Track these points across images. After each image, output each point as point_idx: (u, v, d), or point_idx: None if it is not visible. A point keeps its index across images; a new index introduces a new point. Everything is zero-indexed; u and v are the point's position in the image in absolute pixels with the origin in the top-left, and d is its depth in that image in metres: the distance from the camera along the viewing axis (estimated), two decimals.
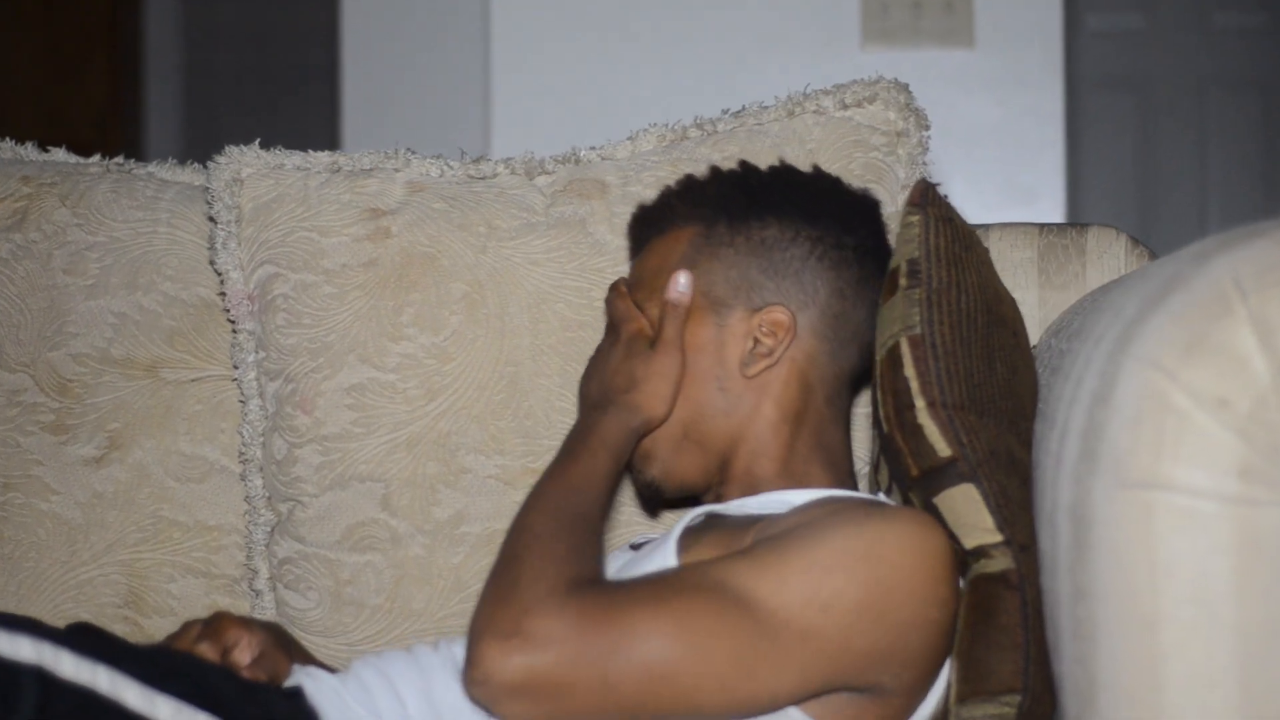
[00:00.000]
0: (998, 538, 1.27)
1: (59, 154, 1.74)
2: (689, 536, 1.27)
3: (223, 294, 1.61)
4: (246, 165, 1.60)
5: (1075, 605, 1.10)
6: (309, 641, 1.56)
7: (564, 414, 1.54)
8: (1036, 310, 1.59)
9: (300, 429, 1.55)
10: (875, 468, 1.43)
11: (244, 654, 1.34)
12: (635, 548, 1.41)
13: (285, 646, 1.41)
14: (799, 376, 1.37)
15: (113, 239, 1.66)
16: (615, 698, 1.13)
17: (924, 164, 1.57)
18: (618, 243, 1.56)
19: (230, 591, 1.63)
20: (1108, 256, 1.60)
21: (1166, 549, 1.02)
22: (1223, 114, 3.99)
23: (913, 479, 1.31)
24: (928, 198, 1.42)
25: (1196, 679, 1.01)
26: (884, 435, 1.35)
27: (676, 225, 1.41)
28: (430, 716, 1.27)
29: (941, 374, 1.31)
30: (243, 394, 1.60)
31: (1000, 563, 1.27)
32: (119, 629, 1.62)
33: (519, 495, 1.45)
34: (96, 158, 1.73)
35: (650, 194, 1.51)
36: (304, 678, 1.30)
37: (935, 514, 1.30)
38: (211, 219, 1.60)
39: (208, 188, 1.60)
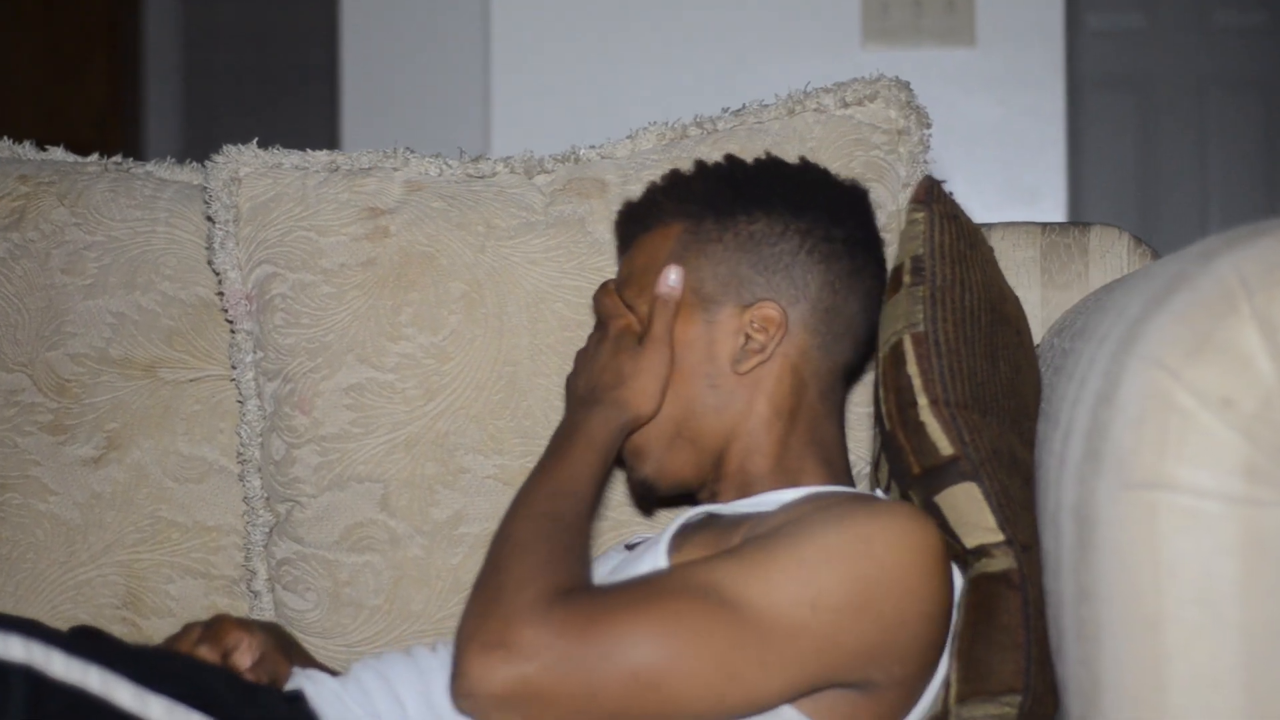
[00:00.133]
0: (999, 537, 1.27)
1: (57, 153, 1.74)
2: (681, 536, 1.27)
3: (220, 294, 1.60)
4: (244, 164, 1.59)
5: (1079, 606, 1.10)
6: (308, 643, 1.56)
7: (562, 413, 1.54)
8: (1039, 310, 1.58)
9: (298, 429, 1.55)
10: (876, 465, 1.43)
11: (244, 656, 1.34)
12: (630, 548, 1.40)
13: (286, 648, 1.41)
14: (791, 372, 1.37)
15: (111, 238, 1.65)
16: (602, 705, 1.13)
17: (925, 162, 1.57)
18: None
19: (229, 592, 1.62)
20: (1110, 256, 1.60)
21: (1171, 549, 1.01)
22: (1223, 113, 3.99)
23: (914, 477, 1.31)
24: (933, 195, 1.42)
25: (1201, 680, 1.01)
26: (886, 433, 1.34)
27: (664, 222, 1.40)
28: (429, 718, 1.27)
29: (944, 372, 1.31)
30: (241, 394, 1.60)
31: (1002, 562, 1.26)
32: (117, 630, 1.61)
33: None
34: (94, 157, 1.73)
35: None
36: (305, 681, 1.29)
37: (936, 512, 1.29)
38: (209, 218, 1.60)
39: (205, 187, 1.60)
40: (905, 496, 1.33)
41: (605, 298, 1.40)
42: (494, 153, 2.57)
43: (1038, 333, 1.55)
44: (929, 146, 1.57)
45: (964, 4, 2.61)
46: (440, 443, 1.54)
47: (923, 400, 1.30)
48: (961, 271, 1.37)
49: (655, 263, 1.38)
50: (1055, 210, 2.64)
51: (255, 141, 1.61)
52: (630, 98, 2.61)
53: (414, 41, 2.76)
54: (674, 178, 1.43)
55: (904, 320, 1.34)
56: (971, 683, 1.25)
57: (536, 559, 1.17)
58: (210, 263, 1.61)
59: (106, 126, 4.33)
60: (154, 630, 1.62)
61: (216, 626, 1.35)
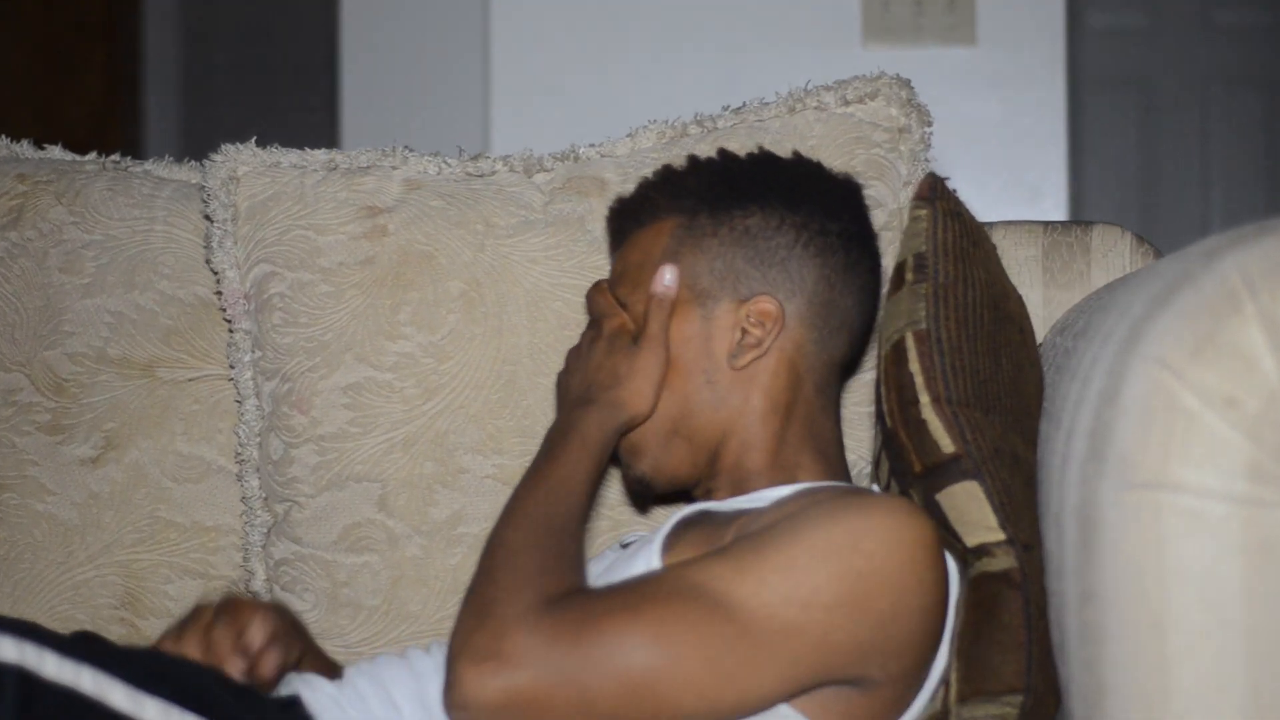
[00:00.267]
0: (1000, 536, 1.26)
1: (55, 151, 1.73)
2: (674, 535, 1.26)
3: (219, 293, 1.60)
4: (243, 163, 1.59)
5: (1082, 608, 1.09)
6: None
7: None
8: (1041, 309, 1.58)
9: (297, 429, 1.55)
10: (877, 464, 1.42)
11: (257, 634, 1.32)
12: (625, 546, 1.40)
13: (296, 628, 1.40)
14: (788, 366, 1.36)
15: (109, 237, 1.65)
16: (597, 712, 1.12)
17: (926, 160, 1.56)
18: None
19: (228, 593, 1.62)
20: (1113, 255, 1.59)
21: (1175, 551, 1.01)
22: (1225, 112, 3.99)
23: (915, 475, 1.30)
24: (936, 191, 1.41)
25: (1206, 683, 1.00)
26: (887, 430, 1.34)
27: (657, 217, 1.39)
28: None
29: (947, 369, 1.31)
30: (239, 394, 1.59)
31: (1003, 561, 1.26)
32: (115, 630, 1.61)
33: None
34: (92, 155, 1.72)
35: None
36: (301, 686, 1.29)
37: (937, 510, 1.29)
38: (207, 217, 1.59)
39: (204, 186, 1.59)
40: (906, 494, 1.32)
41: (598, 296, 1.39)
42: (494, 151, 2.56)
43: (1039, 332, 1.55)
44: (930, 144, 1.57)
45: (965, 2, 2.61)
46: (439, 442, 1.54)
47: (925, 398, 1.30)
48: (964, 269, 1.37)
49: (649, 259, 1.37)
50: (1056, 209, 2.63)
51: (254, 140, 1.60)
52: (630, 96, 2.60)
53: (413, 39, 2.76)
54: (667, 173, 1.42)
55: (906, 318, 1.34)
56: (972, 682, 1.24)
57: (528, 566, 1.17)
58: (208, 262, 1.61)
59: (105, 125, 4.33)
60: (152, 631, 1.61)
61: (230, 605, 1.34)
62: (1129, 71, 3.98)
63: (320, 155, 1.60)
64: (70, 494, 1.63)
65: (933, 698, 1.25)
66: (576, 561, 1.20)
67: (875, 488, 1.34)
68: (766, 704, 1.18)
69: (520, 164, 1.61)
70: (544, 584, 1.15)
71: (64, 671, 1.09)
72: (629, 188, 1.55)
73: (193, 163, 1.71)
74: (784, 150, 1.48)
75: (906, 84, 1.57)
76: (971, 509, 1.27)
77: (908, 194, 1.54)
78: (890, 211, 1.53)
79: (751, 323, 1.34)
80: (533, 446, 1.52)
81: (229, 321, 1.60)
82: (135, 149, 4.40)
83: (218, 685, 1.20)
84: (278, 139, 1.66)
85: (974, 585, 1.27)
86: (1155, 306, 1.05)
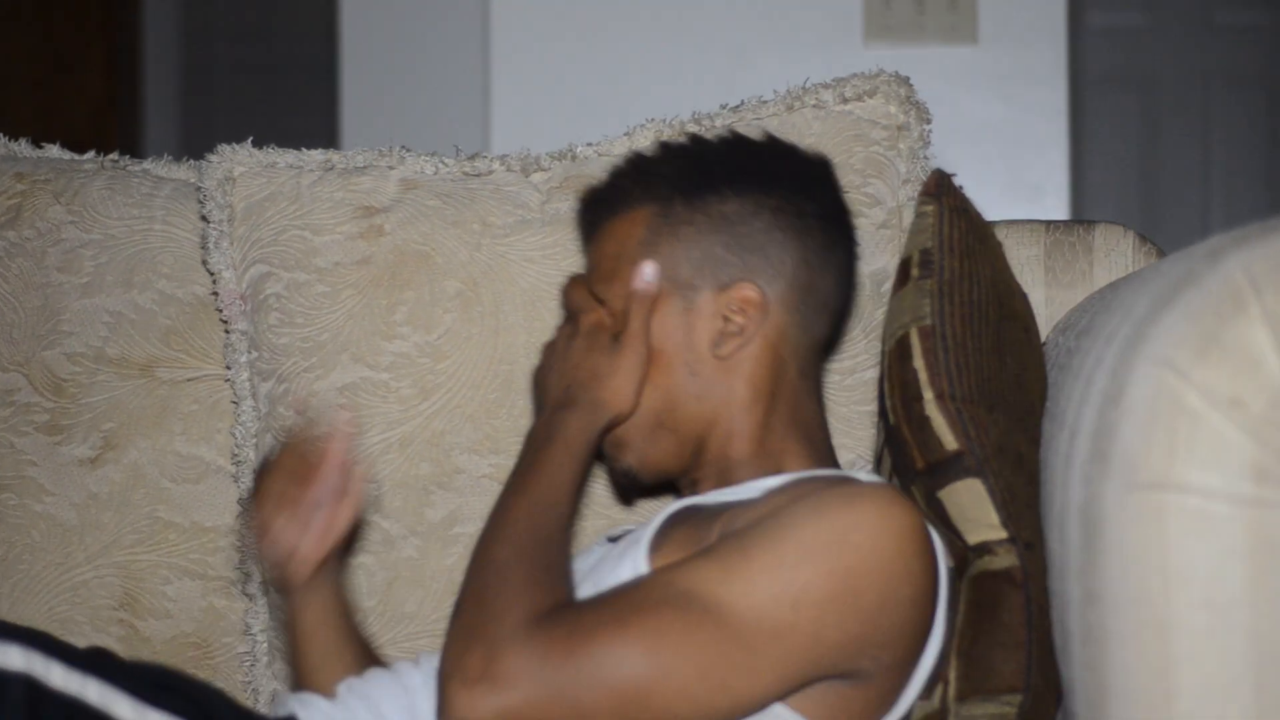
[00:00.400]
0: (1002, 534, 1.26)
1: (53, 150, 1.73)
2: (661, 535, 1.25)
3: (215, 294, 1.59)
4: (239, 164, 1.59)
5: (1085, 609, 1.09)
6: None
7: None
8: (1043, 308, 1.57)
9: (292, 429, 1.54)
10: (878, 460, 1.41)
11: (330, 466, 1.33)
12: (613, 539, 1.39)
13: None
14: (771, 352, 1.34)
15: (108, 236, 1.64)
16: None
17: (925, 158, 1.56)
18: None
19: (227, 594, 1.62)
20: (1115, 254, 1.59)
21: (1179, 552, 1.00)
22: (1226, 111, 3.99)
23: (917, 472, 1.30)
24: (943, 187, 1.41)
25: (1210, 686, 1.00)
26: (890, 427, 1.33)
27: (630, 207, 1.37)
28: None
29: (951, 366, 1.30)
30: (235, 395, 1.59)
31: (1004, 560, 1.26)
32: (114, 631, 1.60)
33: None
34: (91, 154, 1.72)
35: None
36: (296, 705, 1.30)
37: (939, 508, 1.28)
38: (204, 218, 1.59)
39: (200, 187, 1.59)
40: (908, 492, 1.32)
41: (575, 290, 1.37)
42: (494, 150, 2.56)
43: (1041, 331, 1.54)
44: (929, 142, 1.56)
45: (966, 2, 2.61)
46: (435, 442, 1.53)
47: (928, 394, 1.30)
48: (970, 266, 1.36)
49: (625, 250, 1.35)
50: (1058, 208, 2.63)
51: (250, 141, 1.60)
52: (631, 96, 2.60)
53: (413, 38, 2.75)
54: (638, 160, 1.40)
55: (911, 314, 1.33)
56: (972, 681, 1.24)
57: (516, 582, 1.16)
58: (205, 263, 1.60)
59: (105, 124, 4.33)
60: (151, 632, 1.61)
61: (294, 444, 1.35)
62: (1130, 70, 3.98)
63: (317, 155, 1.60)
64: (69, 494, 1.62)
65: (927, 686, 1.25)
66: (563, 572, 1.19)
67: (861, 474, 1.32)
68: (761, 705, 1.17)
69: (517, 163, 1.60)
70: (532, 600, 1.15)
71: (70, 682, 1.10)
72: None
73: (191, 162, 1.71)
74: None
75: (905, 81, 1.57)
76: (973, 507, 1.27)
77: (907, 192, 1.53)
78: (889, 209, 1.53)
79: (734, 310, 1.33)
80: None
81: (225, 323, 1.60)
82: (135, 148, 4.40)
83: (222, 701, 1.21)
84: (278, 138, 1.66)
85: (975, 583, 1.27)
86: (1159, 306, 1.04)
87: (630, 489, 1.47)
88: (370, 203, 1.57)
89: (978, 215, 1.43)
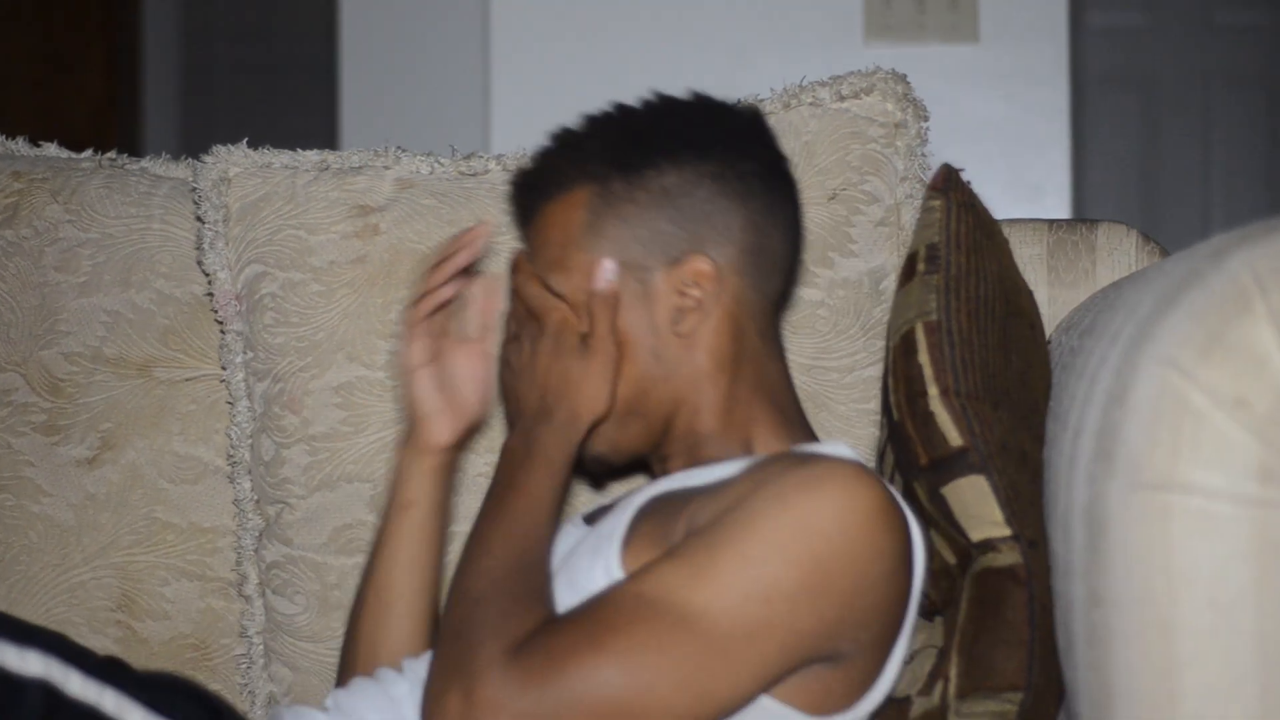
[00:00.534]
0: (1006, 531, 1.26)
1: (50, 149, 1.72)
2: (632, 530, 1.24)
3: (210, 294, 1.59)
4: (234, 164, 1.58)
5: (1089, 610, 1.08)
6: (297, 647, 1.54)
7: None
8: (1046, 308, 1.57)
9: (288, 429, 1.54)
10: (881, 457, 1.41)
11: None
12: (588, 519, 1.38)
13: None
14: (729, 321, 1.32)
15: (105, 235, 1.64)
16: None
17: (923, 155, 1.55)
18: None
19: (225, 595, 1.61)
20: (1118, 253, 1.58)
21: (1184, 553, 1.00)
22: (1227, 110, 3.99)
23: (921, 468, 1.29)
24: (950, 182, 1.40)
25: (1215, 688, 0.99)
26: (893, 423, 1.33)
27: (566, 188, 1.34)
28: None
29: (956, 362, 1.30)
30: (231, 395, 1.58)
31: (1008, 557, 1.25)
32: (111, 632, 1.60)
33: None
34: (89, 153, 1.71)
35: None
36: (290, 718, 1.30)
37: (942, 504, 1.28)
38: (199, 219, 1.58)
39: (195, 187, 1.58)
40: (910, 488, 1.31)
41: (530, 285, 1.34)
42: (494, 149, 2.55)
43: (1044, 330, 1.54)
44: (926, 139, 1.55)
45: (967, 1, 2.60)
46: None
47: (933, 390, 1.29)
48: (977, 261, 1.36)
49: (570, 235, 1.33)
50: (1059, 207, 2.63)
51: (245, 141, 1.59)
52: (630, 95, 2.59)
53: (413, 38, 2.75)
54: (567, 137, 1.38)
55: (916, 309, 1.33)
56: (973, 678, 1.24)
57: (493, 614, 1.15)
58: (200, 263, 1.60)
59: (104, 123, 4.32)
60: (149, 633, 1.60)
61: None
62: (1131, 70, 3.98)
63: (312, 156, 1.59)
64: (66, 495, 1.62)
65: (927, 683, 1.24)
66: (542, 593, 1.18)
67: (827, 448, 1.29)
68: (746, 701, 1.17)
69: (513, 162, 1.59)
70: (508, 631, 1.14)
71: (88, 691, 1.12)
72: None
73: (189, 160, 1.70)
74: (786, 150, 1.46)
75: (902, 79, 1.56)
76: (977, 503, 1.26)
77: (904, 189, 1.53)
78: (887, 207, 1.52)
79: (688, 285, 1.31)
80: None
81: (220, 323, 1.59)
82: (135, 148, 4.39)
83: (233, 716, 1.22)
84: (277, 139, 1.65)
85: (978, 580, 1.26)
86: (1163, 305, 1.04)
87: (600, 474, 1.46)
88: (366, 202, 1.57)
89: (985, 211, 1.42)
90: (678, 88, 1.40)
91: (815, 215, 1.52)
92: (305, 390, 1.54)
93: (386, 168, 1.59)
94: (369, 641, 1.40)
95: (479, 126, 2.65)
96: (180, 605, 1.61)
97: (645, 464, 1.39)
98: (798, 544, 1.15)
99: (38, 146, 1.73)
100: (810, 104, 1.56)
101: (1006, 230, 1.61)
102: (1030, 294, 1.45)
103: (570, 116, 1.42)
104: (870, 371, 1.52)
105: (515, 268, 1.37)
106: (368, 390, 1.53)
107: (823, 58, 2.53)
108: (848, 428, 1.51)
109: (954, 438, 1.27)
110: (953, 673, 1.24)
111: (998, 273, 1.37)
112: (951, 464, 1.27)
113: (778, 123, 1.55)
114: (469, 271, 1.43)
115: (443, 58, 2.74)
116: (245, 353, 1.57)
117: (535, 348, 1.32)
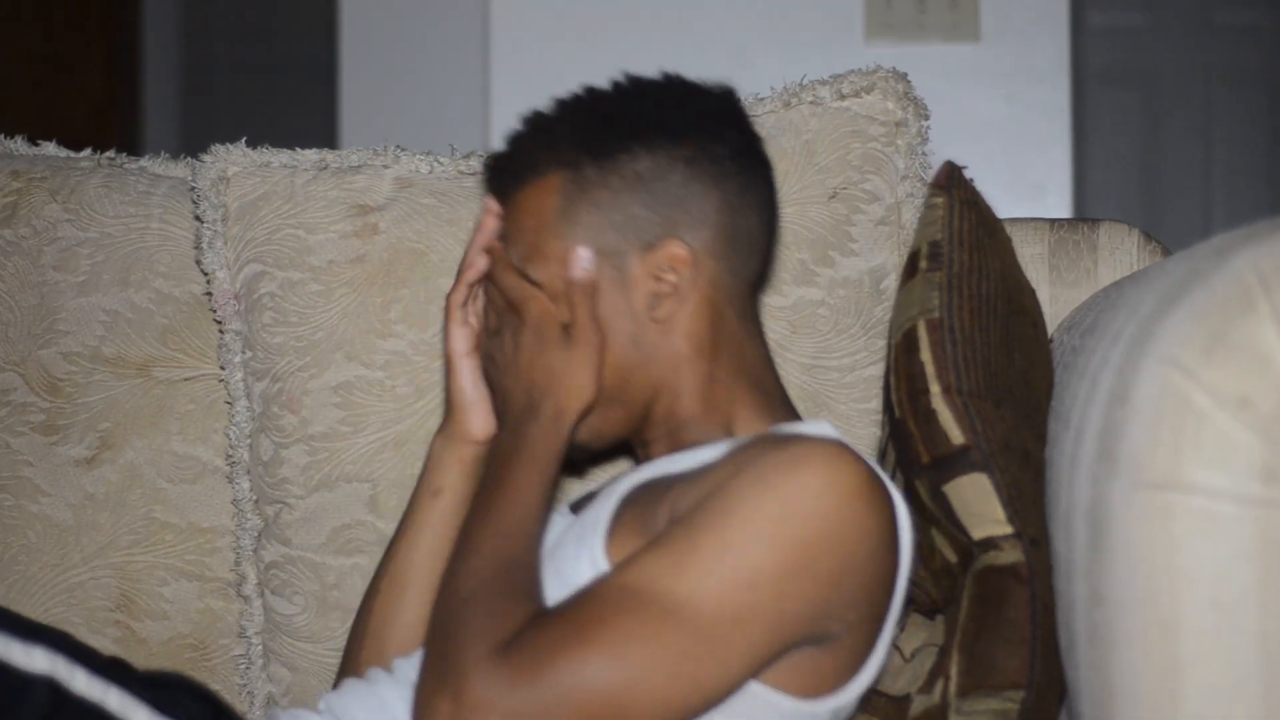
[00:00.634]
0: (1008, 530, 1.25)
1: (49, 148, 1.72)
2: (616, 520, 1.23)
3: (209, 294, 1.59)
4: (233, 164, 1.58)
5: (1091, 610, 1.08)
6: (296, 647, 1.54)
7: None
8: (1048, 307, 1.56)
9: (287, 429, 1.53)
10: (882, 455, 1.41)
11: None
12: (574, 507, 1.37)
13: None
14: (707, 304, 1.31)
15: (104, 235, 1.64)
16: None
17: (924, 154, 1.55)
18: None
19: (224, 595, 1.61)
20: (1120, 253, 1.58)
21: (1186, 553, 0.99)
22: (1228, 109, 3.99)
23: (923, 466, 1.29)
24: (953, 180, 1.40)
25: (1217, 688, 0.99)
26: (895, 420, 1.32)
27: (539, 174, 1.33)
28: None
29: (959, 359, 1.29)
30: (229, 395, 1.58)
31: (1010, 555, 1.25)
32: (110, 633, 1.60)
33: None
34: (88, 152, 1.71)
35: None
36: None
37: (944, 502, 1.27)
38: (198, 218, 1.58)
39: (193, 187, 1.58)
40: (911, 486, 1.31)
41: (508, 276, 1.33)
42: (493, 149, 2.55)
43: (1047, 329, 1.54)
44: (927, 138, 1.55)
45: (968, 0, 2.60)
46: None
47: (935, 388, 1.29)
48: (979, 259, 1.35)
49: (544, 222, 1.32)
50: (1060, 206, 2.63)
51: (244, 140, 1.59)
52: None
53: (413, 38, 2.75)
54: (538, 121, 1.37)
55: (919, 306, 1.32)
56: (974, 677, 1.23)
57: (480, 614, 1.15)
58: (199, 263, 1.59)
59: (104, 123, 4.32)
60: (147, 633, 1.60)
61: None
62: (1132, 68, 3.98)
63: (311, 155, 1.59)
64: (65, 495, 1.62)
65: (927, 681, 1.24)
66: (531, 590, 1.18)
67: (807, 429, 1.28)
68: (736, 688, 1.16)
69: None
70: (496, 629, 1.13)
71: (93, 689, 1.13)
72: None
73: (188, 160, 1.70)
74: (781, 147, 1.46)
75: (903, 77, 1.55)
76: (979, 502, 1.26)
77: (905, 188, 1.53)
78: (887, 205, 1.52)
79: (664, 270, 1.30)
80: None
81: (219, 323, 1.59)
82: (135, 148, 4.39)
83: (234, 717, 1.23)
84: (277, 138, 1.65)
85: (980, 579, 1.26)
86: (1166, 305, 1.04)
87: (581, 462, 1.46)
88: (365, 201, 1.57)
89: (988, 209, 1.42)
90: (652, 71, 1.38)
91: (816, 214, 1.52)
92: (304, 390, 1.54)
93: (386, 167, 1.59)
94: (379, 624, 1.39)
95: (479, 126, 2.65)
96: (179, 605, 1.61)
97: (628, 447, 1.39)
98: (779, 527, 1.15)
99: (36, 145, 1.72)
100: (811, 103, 1.56)
101: (1008, 229, 1.60)
102: (1033, 292, 1.44)
103: None
104: (871, 371, 1.52)
105: (491, 256, 1.36)
106: (367, 390, 1.53)
107: (823, 57, 2.53)
108: (848, 427, 1.51)
109: (956, 436, 1.27)
110: (954, 671, 1.24)
111: (1000, 270, 1.37)
112: (953, 462, 1.27)
113: (778, 121, 1.55)
114: None
115: (443, 58, 2.74)
116: (244, 352, 1.57)
117: (518, 341, 1.31)
